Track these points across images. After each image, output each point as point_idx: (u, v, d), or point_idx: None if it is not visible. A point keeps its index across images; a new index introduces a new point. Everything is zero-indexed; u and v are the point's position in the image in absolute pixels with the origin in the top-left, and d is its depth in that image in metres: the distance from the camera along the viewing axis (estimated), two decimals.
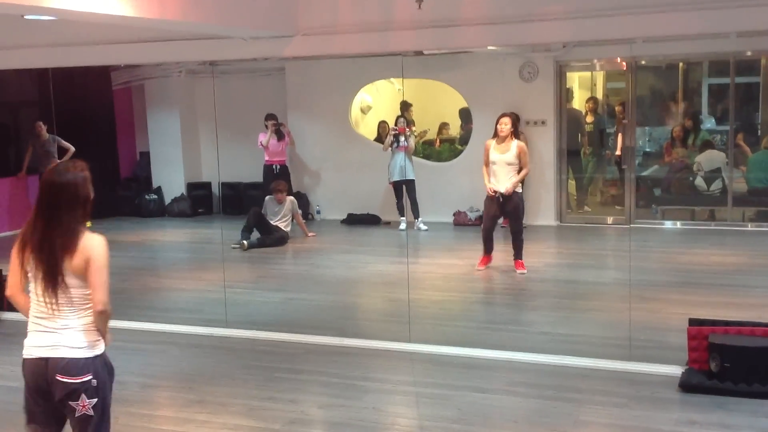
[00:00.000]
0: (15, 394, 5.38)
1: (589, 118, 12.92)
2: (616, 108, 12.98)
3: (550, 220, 12.18)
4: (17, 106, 13.41)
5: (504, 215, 9.14)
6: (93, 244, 3.49)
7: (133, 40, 7.68)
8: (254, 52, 7.97)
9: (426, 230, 11.82)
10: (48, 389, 3.46)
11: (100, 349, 3.52)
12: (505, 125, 8.79)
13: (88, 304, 3.48)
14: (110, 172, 14.40)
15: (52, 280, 3.43)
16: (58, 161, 11.91)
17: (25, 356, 3.53)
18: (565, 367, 5.82)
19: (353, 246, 11.29)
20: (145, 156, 14.84)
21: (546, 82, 12.05)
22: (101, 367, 3.50)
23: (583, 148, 12.85)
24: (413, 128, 12.57)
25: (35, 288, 3.49)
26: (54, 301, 3.45)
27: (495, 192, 8.77)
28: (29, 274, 3.50)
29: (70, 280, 3.44)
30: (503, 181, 8.74)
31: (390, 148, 11.91)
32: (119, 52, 8.09)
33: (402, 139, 11.79)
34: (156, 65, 13.67)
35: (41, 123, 12.05)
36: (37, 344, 3.49)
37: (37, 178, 12.26)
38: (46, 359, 3.44)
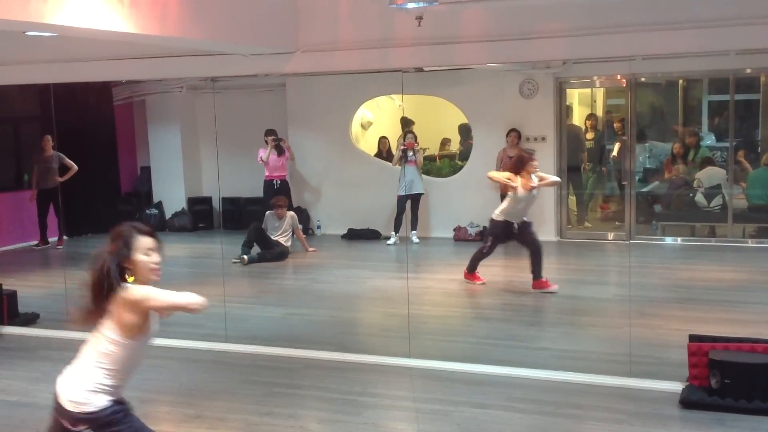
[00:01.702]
0: (14, 408, 5.38)
1: (590, 135, 12.94)
2: (615, 124, 13.01)
3: (550, 236, 12.16)
4: (19, 122, 13.44)
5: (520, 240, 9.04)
6: None
7: (134, 56, 7.72)
8: (255, 69, 8.00)
9: (417, 243, 11.94)
10: None
11: None
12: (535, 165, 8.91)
13: None
14: (111, 187, 14.44)
15: None
16: (59, 179, 11.95)
17: None
18: (565, 383, 5.81)
19: (353, 261, 11.29)
20: (146, 171, 14.87)
21: (546, 98, 12.08)
22: None
23: (583, 164, 12.88)
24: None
25: None
26: None
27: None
28: None
29: None
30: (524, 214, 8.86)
31: (399, 164, 12.04)
32: (120, 67, 8.12)
33: (410, 154, 11.87)
34: (157, 81, 13.73)
35: (49, 137, 12.04)
36: None
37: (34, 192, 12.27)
38: None
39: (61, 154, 12.09)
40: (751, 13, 6.10)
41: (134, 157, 15.20)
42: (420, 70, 11.32)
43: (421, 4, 5.90)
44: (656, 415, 5.14)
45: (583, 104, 13.79)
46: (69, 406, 3.46)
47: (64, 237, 12.44)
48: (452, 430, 5.00)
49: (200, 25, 6.52)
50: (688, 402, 5.26)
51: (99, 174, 13.69)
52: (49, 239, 12.33)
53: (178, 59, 7.66)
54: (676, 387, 5.51)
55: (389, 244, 12.05)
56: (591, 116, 13.23)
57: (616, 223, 12.54)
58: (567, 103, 12.72)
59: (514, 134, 12.00)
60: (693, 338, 5.62)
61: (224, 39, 6.82)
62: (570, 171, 12.46)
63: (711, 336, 5.70)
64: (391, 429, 5.17)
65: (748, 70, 11.67)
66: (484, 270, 9.06)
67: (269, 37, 7.10)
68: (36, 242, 12.32)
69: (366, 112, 14.16)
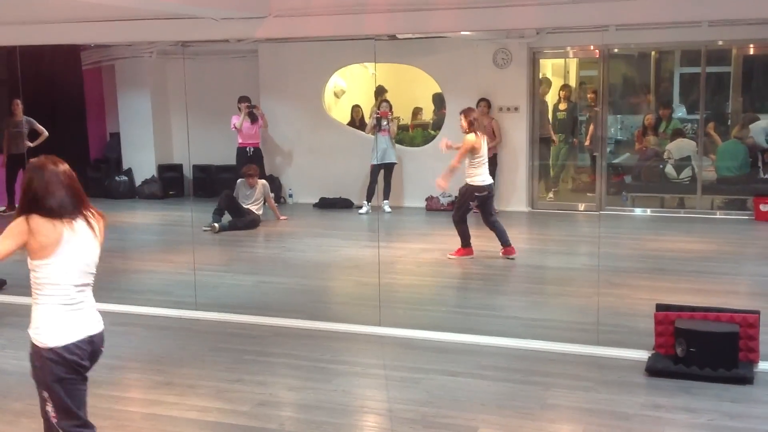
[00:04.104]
0: None
1: (562, 106, 12.96)
2: (589, 96, 13.04)
3: (521, 206, 12.24)
4: None
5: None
6: None
7: (102, 18, 7.58)
8: (225, 33, 7.91)
9: (389, 212, 11.96)
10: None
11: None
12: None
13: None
14: (80, 154, 14.23)
15: None
16: (29, 144, 11.76)
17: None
18: (533, 351, 5.86)
19: (325, 230, 11.26)
20: (116, 137, 14.69)
21: (519, 68, 12.07)
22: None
23: (556, 135, 12.91)
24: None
25: None
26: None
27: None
28: None
29: None
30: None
31: (372, 132, 12.00)
32: (88, 30, 7.98)
33: (384, 122, 11.83)
34: (126, 45, 13.52)
35: (18, 101, 11.82)
36: None
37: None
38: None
39: (32, 119, 11.90)
40: None
41: (103, 123, 14.99)
42: (393, 37, 11.25)
43: None
44: (622, 383, 5.20)
45: (557, 75, 13.80)
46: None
47: None
48: (422, 397, 5.03)
49: None
50: (653, 370, 5.33)
51: (67, 140, 13.47)
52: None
53: (148, 22, 7.54)
54: (643, 355, 5.58)
55: (361, 213, 12.05)
56: (565, 87, 13.24)
57: (587, 194, 12.62)
58: (547, 75, 12.75)
59: (484, 104, 11.99)
60: (660, 307, 5.69)
61: (194, 2, 6.71)
62: (542, 141, 12.50)
63: (677, 305, 5.77)
64: (361, 396, 5.19)
65: (720, 43, 11.73)
66: (457, 239, 9.07)
67: (240, 0, 7.00)
68: (3, 208, 12.15)
69: (339, 80, 14.07)
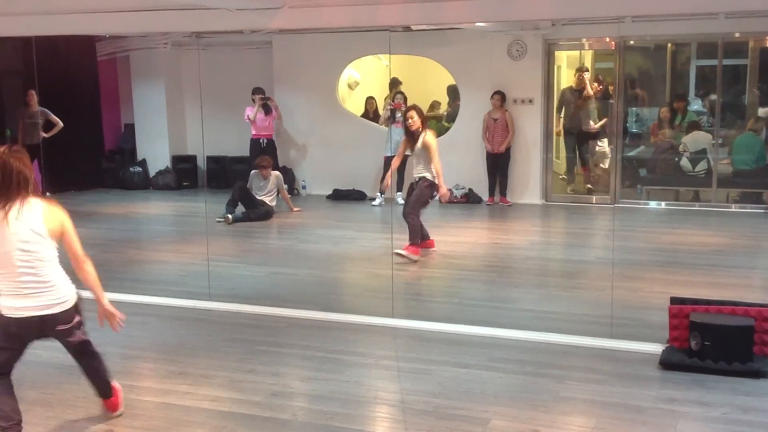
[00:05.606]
0: None
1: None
2: (610, 87, 12.96)
3: (535, 199, 12.20)
4: (0, 76, 13.24)
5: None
6: None
7: (117, 9, 7.58)
8: (240, 24, 7.88)
9: (402, 204, 11.92)
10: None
11: None
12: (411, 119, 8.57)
13: None
14: (94, 144, 14.33)
15: None
16: (44, 135, 11.82)
17: None
18: (546, 344, 5.84)
19: (338, 221, 11.27)
20: (130, 128, 14.74)
21: (534, 60, 12.02)
22: None
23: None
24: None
25: None
26: None
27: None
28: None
29: None
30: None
31: (386, 124, 11.98)
32: (104, 21, 7.98)
33: (398, 114, 11.80)
34: (141, 36, 13.56)
35: (33, 92, 11.87)
36: None
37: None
38: None
39: (47, 110, 11.96)
40: None
41: (118, 114, 15.05)
42: (408, 29, 11.22)
43: None
44: (636, 376, 5.18)
45: (572, 67, 13.71)
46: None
47: (47, 194, 12.33)
48: (434, 389, 5.02)
49: None
50: (668, 363, 5.30)
51: (82, 130, 13.55)
52: None
53: (163, 13, 7.53)
54: (657, 348, 5.55)
55: (374, 205, 12.04)
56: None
57: (602, 186, 12.56)
58: (581, 65, 12.69)
59: (498, 96, 11.95)
60: (674, 301, 5.66)
61: None
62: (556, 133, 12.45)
63: (692, 299, 5.74)
64: (373, 387, 5.19)
65: (737, 35, 11.63)
66: (471, 232, 9.05)
67: None
68: None
69: (353, 71, 14.05)
